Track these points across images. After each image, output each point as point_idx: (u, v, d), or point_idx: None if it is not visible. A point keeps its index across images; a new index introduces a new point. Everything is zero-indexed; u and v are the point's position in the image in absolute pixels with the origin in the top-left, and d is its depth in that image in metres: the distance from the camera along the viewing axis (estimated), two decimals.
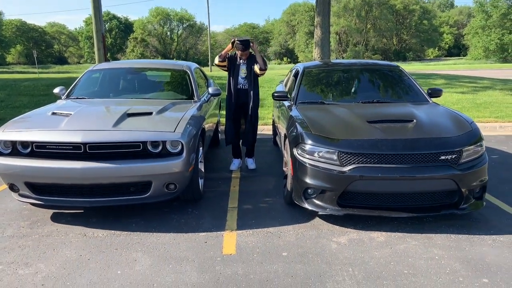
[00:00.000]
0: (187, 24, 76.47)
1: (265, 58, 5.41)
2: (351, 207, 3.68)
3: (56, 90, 5.30)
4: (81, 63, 75.80)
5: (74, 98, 5.02)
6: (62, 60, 78.15)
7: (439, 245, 3.40)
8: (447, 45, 74.18)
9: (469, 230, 3.68)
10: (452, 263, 3.11)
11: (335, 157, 3.63)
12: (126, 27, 75.56)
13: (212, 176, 5.28)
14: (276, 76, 16.33)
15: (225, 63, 5.36)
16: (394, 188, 3.58)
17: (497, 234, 3.60)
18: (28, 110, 9.09)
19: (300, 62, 58.54)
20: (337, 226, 3.77)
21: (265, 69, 5.32)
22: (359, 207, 3.69)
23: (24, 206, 4.28)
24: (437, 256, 3.22)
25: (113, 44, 73.89)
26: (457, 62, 54.40)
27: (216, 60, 5.37)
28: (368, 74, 5.34)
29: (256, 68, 5.32)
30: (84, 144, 3.61)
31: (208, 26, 47.71)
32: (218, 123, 6.90)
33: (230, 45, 5.26)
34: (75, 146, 3.63)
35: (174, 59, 65.89)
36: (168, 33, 77.55)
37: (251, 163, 5.76)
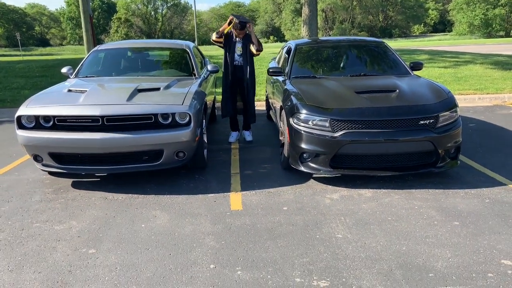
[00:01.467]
0: (171, 3, 75.33)
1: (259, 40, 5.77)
2: (342, 168, 4.18)
3: (64, 70, 5.62)
4: (63, 45, 74.50)
5: (83, 77, 5.37)
6: (44, 42, 76.63)
7: (419, 198, 3.92)
8: (433, 21, 74.57)
9: (445, 185, 4.21)
10: (429, 211, 3.64)
11: (327, 124, 4.09)
12: (109, 7, 74.22)
13: (213, 148, 5.73)
14: (265, 54, 16.63)
15: (221, 39, 5.71)
16: (379, 150, 4.07)
17: (469, 188, 4.14)
18: (27, 91, 9.41)
19: (287, 40, 58.52)
20: (330, 186, 4.27)
21: (261, 50, 5.72)
22: (349, 168, 4.19)
23: (44, 176, 4.68)
24: (416, 206, 3.74)
25: (97, 25, 72.53)
26: (442, 38, 55.00)
27: (214, 36, 5.72)
28: (355, 50, 5.79)
29: (252, 48, 5.70)
30: (102, 117, 4.00)
31: (193, 5, 47.27)
32: (214, 100, 7.30)
33: (227, 23, 5.59)
34: (94, 119, 4.02)
35: (160, 39, 65.17)
36: (152, 12, 76.38)
37: (248, 135, 6.20)
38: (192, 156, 4.47)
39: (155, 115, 4.14)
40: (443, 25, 75.11)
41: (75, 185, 4.40)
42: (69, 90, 4.57)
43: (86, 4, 16.69)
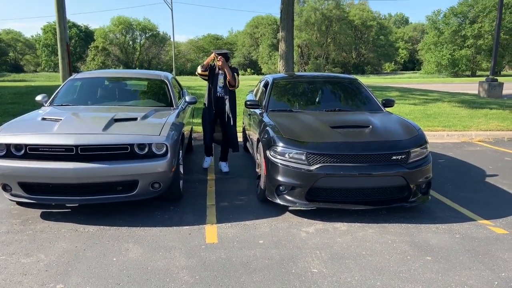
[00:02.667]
0: (150, 33, 75.90)
1: (236, 76, 5.92)
2: (317, 201, 4.22)
3: (39, 98, 5.55)
4: (37, 71, 73.34)
5: (58, 105, 5.30)
6: (18, 68, 75.29)
7: (392, 232, 3.98)
8: (403, 60, 77.74)
9: (417, 220, 4.30)
10: (402, 246, 3.69)
11: (303, 157, 4.15)
12: (86, 36, 73.99)
13: (189, 178, 5.68)
14: (242, 86, 16.88)
15: (206, 73, 5.86)
16: (353, 184, 4.14)
17: (440, 223, 4.23)
18: None
19: (263, 73, 59.67)
20: (306, 219, 4.28)
21: (235, 86, 5.92)
22: (324, 201, 4.23)
23: (12, 206, 4.51)
24: (390, 241, 3.79)
25: (73, 53, 72.07)
26: (411, 76, 57.16)
27: (199, 70, 5.87)
28: (330, 86, 5.98)
29: (227, 82, 5.87)
30: (77, 146, 3.94)
31: (172, 37, 47.89)
32: (191, 131, 7.31)
33: (212, 56, 5.80)
34: (68, 148, 3.95)
35: (137, 68, 65.29)
36: (131, 42, 76.57)
37: (224, 166, 6.22)
38: (167, 187, 4.42)
39: (131, 145, 4.11)
40: (412, 64, 78.35)
41: (44, 216, 4.26)
42: (43, 119, 4.50)
43: (63, 32, 16.65)
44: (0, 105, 11.14)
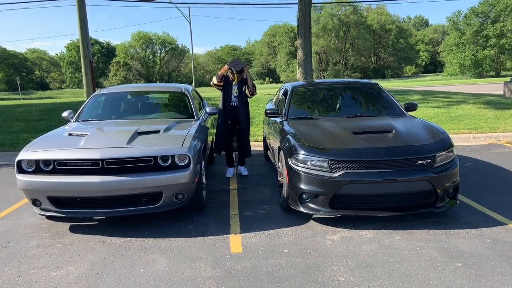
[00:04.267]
0: (169, 47, 77.29)
1: (254, 83, 6.20)
2: (342, 209, 4.17)
3: (65, 114, 5.71)
4: (63, 88, 75.62)
5: (84, 121, 5.44)
6: (43, 86, 77.80)
7: (420, 239, 3.89)
8: (424, 62, 76.64)
9: (445, 225, 4.20)
10: (431, 252, 3.60)
11: (326, 164, 4.13)
12: (108, 52, 75.97)
13: (212, 189, 5.72)
14: (261, 95, 16.95)
15: (221, 83, 6.01)
16: (378, 190, 4.08)
17: (469, 228, 4.12)
18: (26, 135, 9.46)
19: (282, 81, 59.74)
20: (330, 226, 4.24)
21: (254, 94, 6.21)
22: (349, 208, 4.18)
23: (42, 221, 4.63)
24: (418, 247, 3.71)
25: (96, 69, 74.04)
26: (433, 78, 56.28)
27: (214, 80, 6.04)
28: (351, 92, 5.94)
29: (247, 91, 6.11)
30: (102, 160, 4.03)
31: (191, 49, 48.60)
32: (212, 141, 7.36)
33: (226, 66, 5.99)
34: (94, 162, 4.04)
35: (157, 81, 66.44)
36: (151, 56, 78.16)
37: (243, 170, 6.51)
38: (191, 198, 4.46)
39: (155, 157, 4.17)
40: (434, 66, 77.13)
41: (72, 229, 4.35)
42: (70, 134, 4.62)
43: (86, 49, 17.13)
44: (29, 122, 11.51)
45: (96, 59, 73.12)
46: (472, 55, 51.93)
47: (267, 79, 70.46)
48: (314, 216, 4.48)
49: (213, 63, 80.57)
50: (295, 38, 62.34)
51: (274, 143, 5.69)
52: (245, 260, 3.53)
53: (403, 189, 4.10)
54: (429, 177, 4.07)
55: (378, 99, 5.75)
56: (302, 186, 4.21)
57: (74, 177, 4.03)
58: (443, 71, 63.47)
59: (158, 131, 4.65)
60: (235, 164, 6.63)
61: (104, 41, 77.15)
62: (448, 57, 57.29)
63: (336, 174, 4.06)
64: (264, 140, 7.60)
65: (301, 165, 4.27)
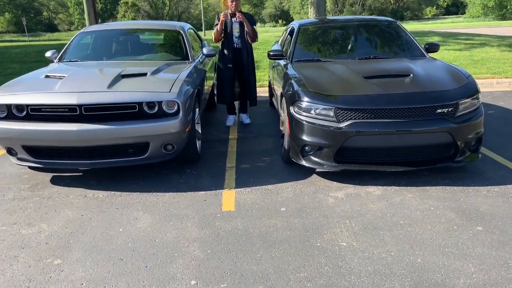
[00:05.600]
0: None
1: (255, 29, 5.58)
2: (348, 163, 3.72)
3: (48, 54, 5.21)
4: (71, 30, 73.91)
5: (67, 62, 4.94)
6: (52, 28, 76.24)
7: (435, 197, 3.46)
8: (445, 3, 72.68)
9: (464, 182, 3.74)
10: (447, 213, 3.18)
11: (331, 113, 3.62)
12: None
13: (209, 138, 5.30)
14: (271, 38, 16.05)
15: (222, 36, 5.46)
16: (390, 142, 3.60)
17: (492, 185, 3.66)
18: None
19: None
20: (335, 182, 3.82)
21: (255, 41, 5.55)
22: (356, 162, 3.73)
23: (23, 170, 4.30)
24: (432, 207, 3.28)
25: (104, 10, 72.05)
26: (455, 20, 53.41)
27: (216, 35, 5.45)
28: (365, 30, 5.25)
29: (248, 38, 5.48)
30: (80, 106, 3.58)
31: None
32: (213, 86, 6.84)
33: (222, 16, 5.39)
34: (71, 108, 3.60)
35: None
36: None
37: (245, 118, 5.99)
38: (182, 149, 4.04)
39: (139, 103, 3.70)
40: (456, 7, 73.17)
41: (54, 181, 4.02)
42: (47, 76, 4.14)
43: None
44: (24, 64, 11.03)
45: (104, 0, 70.90)
46: None
47: (280, 21, 67.78)
48: (317, 170, 4.05)
49: (224, 4, 77.49)
50: None
51: (277, 88, 5.17)
52: (237, 220, 3.16)
53: (418, 141, 3.61)
54: (449, 128, 3.56)
55: (395, 39, 5.08)
56: (305, 138, 3.74)
57: (50, 125, 3.61)
58: (465, 13, 60.18)
59: (144, 74, 4.15)
60: (236, 111, 6.14)
61: None
62: None
63: (343, 124, 3.57)
64: (270, 86, 7.04)
65: (304, 113, 3.77)
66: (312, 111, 3.72)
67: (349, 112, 3.58)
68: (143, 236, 2.97)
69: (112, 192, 3.73)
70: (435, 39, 14.41)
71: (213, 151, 4.82)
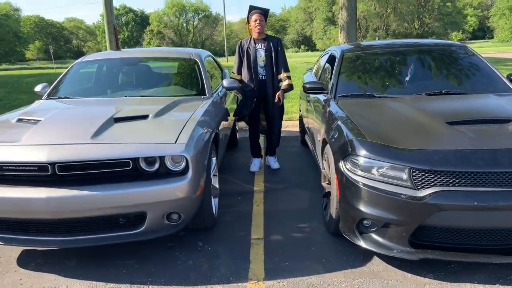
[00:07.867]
0: (202, 14, 75.83)
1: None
2: (430, 249, 2.56)
3: (38, 88, 4.35)
4: None
5: (56, 98, 4.01)
6: (80, 55, 77.58)
7: None
8: (472, 28, 71.22)
9: None
10: None
11: (405, 175, 2.50)
12: (142, 20, 75.35)
13: (229, 189, 4.23)
14: (297, 64, 15.15)
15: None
16: (495, 222, 2.44)
17: None
18: None
19: (318, 50, 56.84)
20: (409, 275, 2.65)
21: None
22: (443, 248, 2.56)
23: None
24: None
25: (130, 37, 73.76)
26: (483, 45, 51.86)
27: (237, 76, 4.59)
28: (430, 57, 4.12)
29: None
30: (52, 164, 2.58)
31: (224, 16, 46.60)
32: (235, 121, 5.82)
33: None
34: (41, 166, 2.61)
35: None
36: (184, 24, 76.98)
37: (273, 162, 4.93)
38: (192, 217, 2.98)
39: (134, 159, 2.69)
40: (482, 32, 71.60)
41: (21, 261, 2.99)
42: (19, 120, 3.19)
43: (110, 14, 15.80)
44: (34, 94, 10.30)
45: (131, 28, 72.54)
46: None
47: (302, 47, 67.60)
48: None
49: (247, 30, 78.31)
50: (333, 3, 58.71)
51: (315, 129, 4.10)
52: None
53: None
54: None
55: (470, 68, 3.95)
56: (363, 208, 2.62)
57: (11, 190, 2.62)
58: (492, 37, 58.57)
59: (145, 117, 3.15)
60: (262, 153, 5.08)
61: (138, 9, 76.41)
62: (500, 22, 52.68)
63: (423, 193, 2.44)
64: (301, 120, 5.96)
65: (361, 173, 2.66)
66: (374, 171, 2.61)
67: (432, 175, 2.45)
68: None
69: (94, 282, 2.67)
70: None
71: (234, 211, 3.74)
